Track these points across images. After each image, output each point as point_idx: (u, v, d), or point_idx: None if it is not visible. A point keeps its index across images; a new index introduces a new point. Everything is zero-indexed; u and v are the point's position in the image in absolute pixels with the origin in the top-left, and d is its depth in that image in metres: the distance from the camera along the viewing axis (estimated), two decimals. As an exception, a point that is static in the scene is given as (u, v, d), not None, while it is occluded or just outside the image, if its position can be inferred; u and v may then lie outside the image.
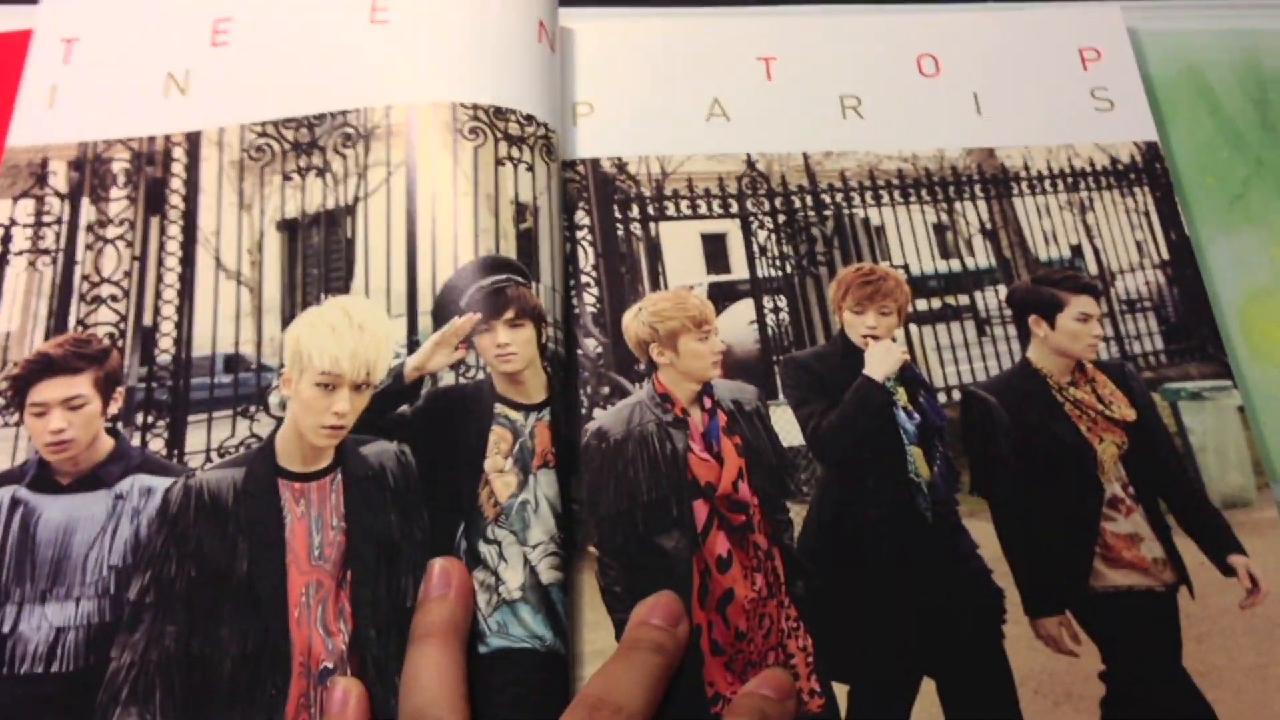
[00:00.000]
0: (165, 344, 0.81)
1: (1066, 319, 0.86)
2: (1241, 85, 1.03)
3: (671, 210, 0.91)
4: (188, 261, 0.83)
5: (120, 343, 0.80)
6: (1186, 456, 0.84)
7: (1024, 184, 0.94)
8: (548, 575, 0.73)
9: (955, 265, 0.93)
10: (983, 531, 0.80)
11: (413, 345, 0.78)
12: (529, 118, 0.86)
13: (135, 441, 0.77)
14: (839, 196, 0.93)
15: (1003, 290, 0.91)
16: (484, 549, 0.73)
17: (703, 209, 0.91)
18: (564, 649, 0.72)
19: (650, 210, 0.91)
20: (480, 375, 0.78)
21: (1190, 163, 0.98)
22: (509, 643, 0.71)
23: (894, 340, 0.85)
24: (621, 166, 0.92)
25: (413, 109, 0.85)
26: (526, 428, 0.77)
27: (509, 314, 0.78)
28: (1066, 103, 0.98)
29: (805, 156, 0.93)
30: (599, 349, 0.84)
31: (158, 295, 0.82)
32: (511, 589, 0.72)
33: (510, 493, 0.75)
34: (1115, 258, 0.93)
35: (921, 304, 0.90)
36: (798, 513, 0.80)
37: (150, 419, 0.78)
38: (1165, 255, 0.93)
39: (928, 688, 0.75)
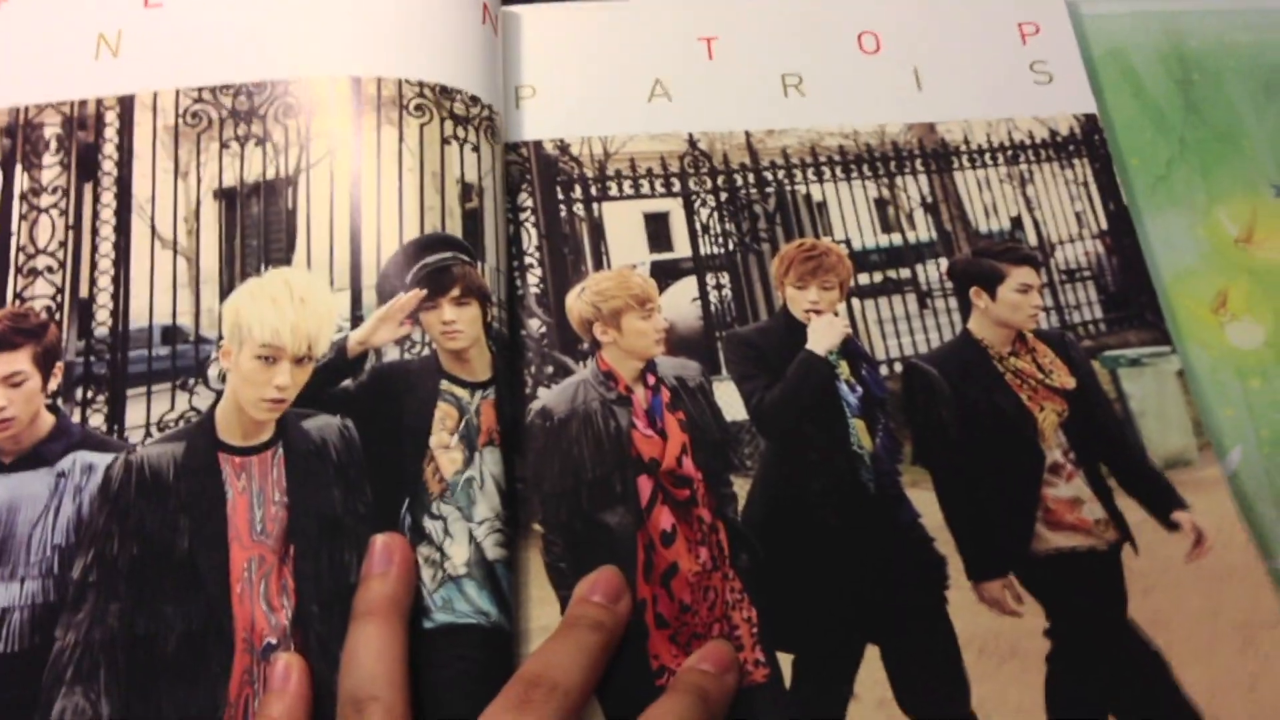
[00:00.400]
0: (102, 316, 0.79)
1: (1007, 290, 0.87)
2: (1165, 66, 1.03)
3: (614, 191, 0.91)
4: (122, 230, 0.82)
5: (58, 316, 0.79)
6: (1126, 422, 0.84)
7: (964, 158, 0.95)
8: (493, 552, 0.73)
9: (897, 239, 0.93)
10: (925, 500, 0.80)
11: (356, 320, 0.78)
12: (474, 99, 0.86)
13: (75, 417, 0.76)
14: (781, 174, 0.93)
15: (944, 263, 0.91)
16: (429, 525, 0.73)
17: (645, 189, 0.92)
18: (509, 625, 0.72)
19: (593, 191, 0.91)
20: (425, 351, 0.78)
21: (1114, 144, 0.98)
22: (454, 619, 0.71)
23: (836, 314, 0.85)
24: (564, 148, 0.92)
25: (359, 82, 0.85)
26: (472, 405, 0.77)
27: (454, 292, 0.78)
28: (1006, 77, 0.98)
29: (747, 134, 0.94)
30: (543, 329, 0.85)
31: (93, 266, 0.81)
32: (457, 565, 0.72)
33: (456, 469, 0.75)
34: (1055, 229, 0.93)
35: (863, 278, 0.91)
36: (741, 486, 0.80)
37: (89, 394, 0.77)
38: (1104, 225, 0.93)
39: (872, 654, 0.75)
